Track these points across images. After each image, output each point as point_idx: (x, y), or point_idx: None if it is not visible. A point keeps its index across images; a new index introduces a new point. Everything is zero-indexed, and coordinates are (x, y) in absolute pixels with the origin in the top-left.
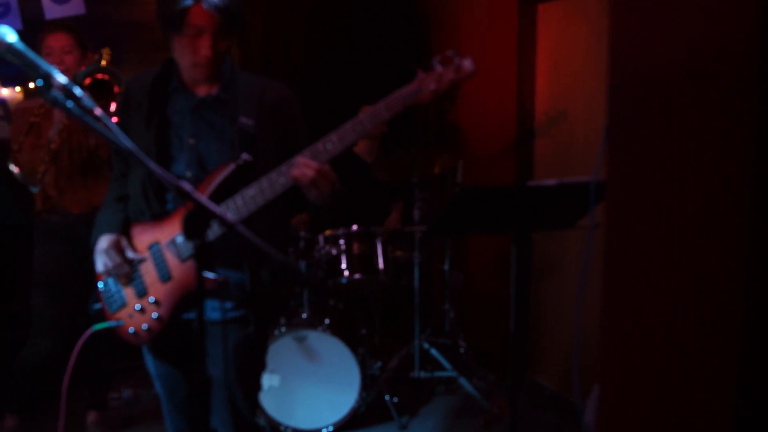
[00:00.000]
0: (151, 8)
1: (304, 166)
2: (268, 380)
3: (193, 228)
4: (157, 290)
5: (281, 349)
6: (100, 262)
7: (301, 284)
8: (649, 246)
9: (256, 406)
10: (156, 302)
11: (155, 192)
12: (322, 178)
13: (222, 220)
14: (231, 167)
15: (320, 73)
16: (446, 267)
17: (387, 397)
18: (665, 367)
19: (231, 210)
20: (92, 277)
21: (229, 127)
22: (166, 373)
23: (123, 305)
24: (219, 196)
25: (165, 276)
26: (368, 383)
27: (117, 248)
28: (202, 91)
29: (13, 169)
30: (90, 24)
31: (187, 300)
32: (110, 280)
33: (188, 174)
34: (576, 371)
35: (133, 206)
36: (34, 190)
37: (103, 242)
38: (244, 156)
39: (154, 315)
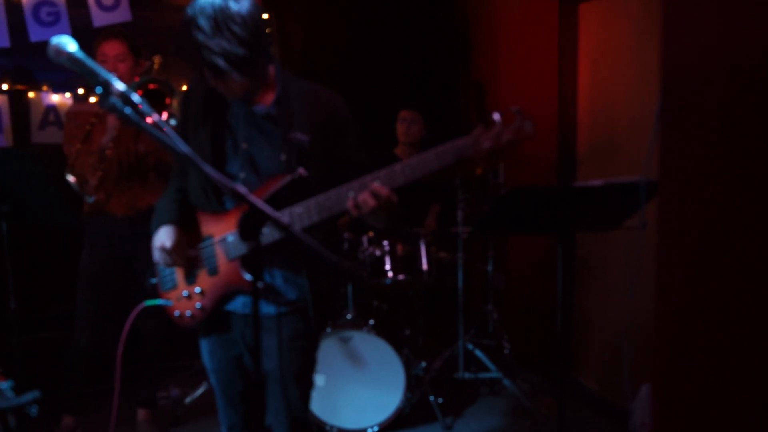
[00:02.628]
0: None
1: (370, 195)
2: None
3: (249, 230)
4: (204, 281)
5: (326, 350)
6: (158, 257)
7: (355, 283)
8: (703, 246)
9: (308, 403)
10: (201, 293)
11: (213, 191)
12: (384, 206)
13: (277, 223)
14: (286, 179)
15: (359, 75)
16: (489, 268)
17: (431, 398)
18: (720, 368)
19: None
20: (133, 278)
21: (280, 139)
22: (221, 368)
23: (174, 287)
24: (270, 206)
25: (213, 270)
26: (413, 384)
27: (179, 250)
28: (255, 101)
29: (70, 178)
30: (135, 30)
31: (229, 296)
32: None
33: (241, 175)
34: (626, 373)
35: (194, 198)
36: (90, 200)
37: (167, 240)
38: (300, 170)
39: (198, 305)
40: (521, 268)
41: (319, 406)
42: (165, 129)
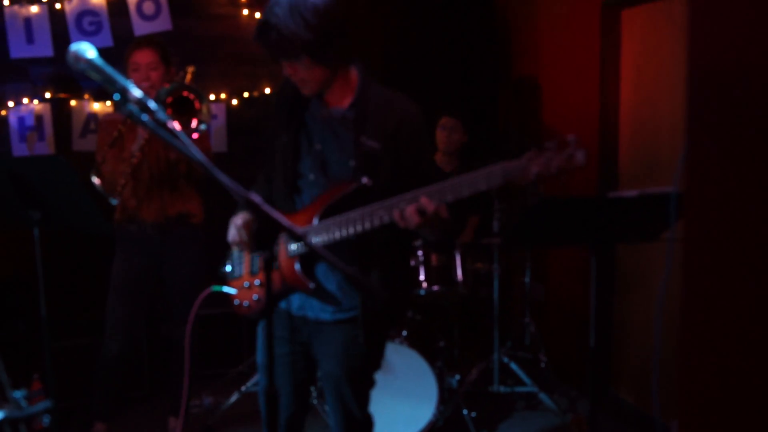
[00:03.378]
0: (233, 23)
1: (411, 213)
2: None
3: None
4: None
5: None
6: (230, 233)
7: (370, 298)
8: (730, 261)
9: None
10: (261, 285)
11: (290, 193)
12: (431, 221)
13: (292, 234)
14: (351, 187)
15: (400, 79)
16: (527, 279)
17: (465, 412)
18: (748, 388)
19: (335, 226)
20: (163, 284)
21: (352, 143)
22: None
23: (240, 276)
24: (331, 211)
25: (274, 264)
26: (446, 396)
27: (247, 228)
28: (333, 101)
29: (95, 180)
30: (174, 38)
31: (286, 292)
32: (237, 251)
33: (311, 176)
34: (655, 388)
35: (276, 196)
36: (114, 202)
37: (238, 218)
38: (364, 180)
39: (255, 296)
40: (560, 280)
41: None
42: (181, 137)
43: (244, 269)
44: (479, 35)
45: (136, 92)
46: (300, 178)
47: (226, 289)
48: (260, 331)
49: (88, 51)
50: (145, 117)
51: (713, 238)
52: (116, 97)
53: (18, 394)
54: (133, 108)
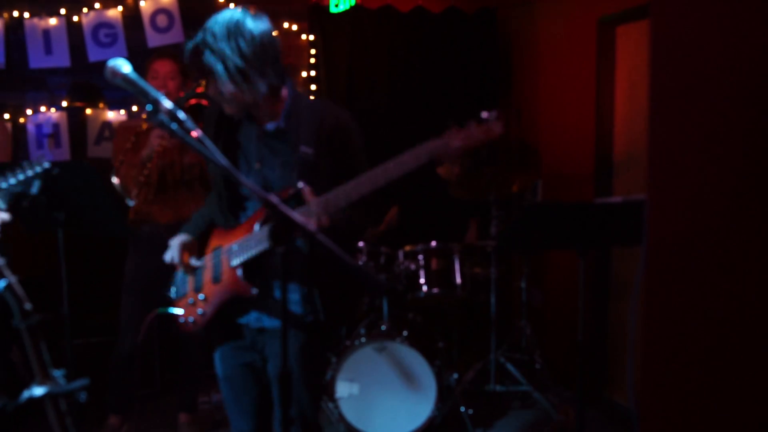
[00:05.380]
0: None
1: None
2: (348, 388)
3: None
4: (208, 289)
5: (361, 359)
6: (168, 254)
7: (376, 290)
8: (686, 260)
9: (318, 405)
10: (204, 299)
11: (229, 207)
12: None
13: (304, 230)
14: (290, 192)
15: (404, 101)
16: (523, 284)
17: (462, 409)
18: (707, 393)
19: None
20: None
21: (292, 155)
22: (234, 374)
23: (184, 295)
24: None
25: (217, 278)
26: (444, 394)
27: (185, 250)
28: (265, 120)
29: (115, 180)
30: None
31: (230, 304)
32: (180, 272)
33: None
34: (630, 380)
35: (215, 215)
36: (130, 203)
37: (177, 239)
38: (300, 185)
39: (200, 311)
40: (557, 284)
41: (353, 413)
42: (207, 143)
43: (188, 288)
44: (482, 54)
45: (167, 103)
46: (246, 199)
47: (172, 310)
48: (216, 353)
49: (124, 66)
50: (174, 125)
51: (670, 240)
52: (149, 107)
53: (57, 372)
54: (164, 117)
